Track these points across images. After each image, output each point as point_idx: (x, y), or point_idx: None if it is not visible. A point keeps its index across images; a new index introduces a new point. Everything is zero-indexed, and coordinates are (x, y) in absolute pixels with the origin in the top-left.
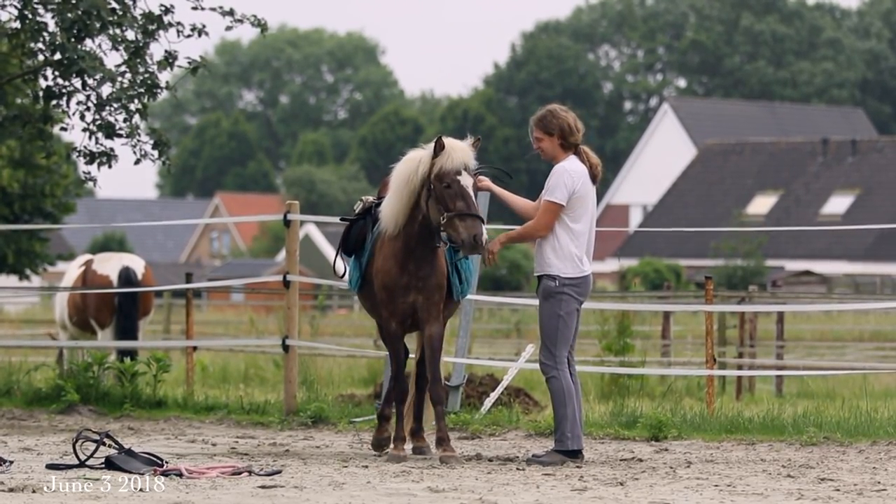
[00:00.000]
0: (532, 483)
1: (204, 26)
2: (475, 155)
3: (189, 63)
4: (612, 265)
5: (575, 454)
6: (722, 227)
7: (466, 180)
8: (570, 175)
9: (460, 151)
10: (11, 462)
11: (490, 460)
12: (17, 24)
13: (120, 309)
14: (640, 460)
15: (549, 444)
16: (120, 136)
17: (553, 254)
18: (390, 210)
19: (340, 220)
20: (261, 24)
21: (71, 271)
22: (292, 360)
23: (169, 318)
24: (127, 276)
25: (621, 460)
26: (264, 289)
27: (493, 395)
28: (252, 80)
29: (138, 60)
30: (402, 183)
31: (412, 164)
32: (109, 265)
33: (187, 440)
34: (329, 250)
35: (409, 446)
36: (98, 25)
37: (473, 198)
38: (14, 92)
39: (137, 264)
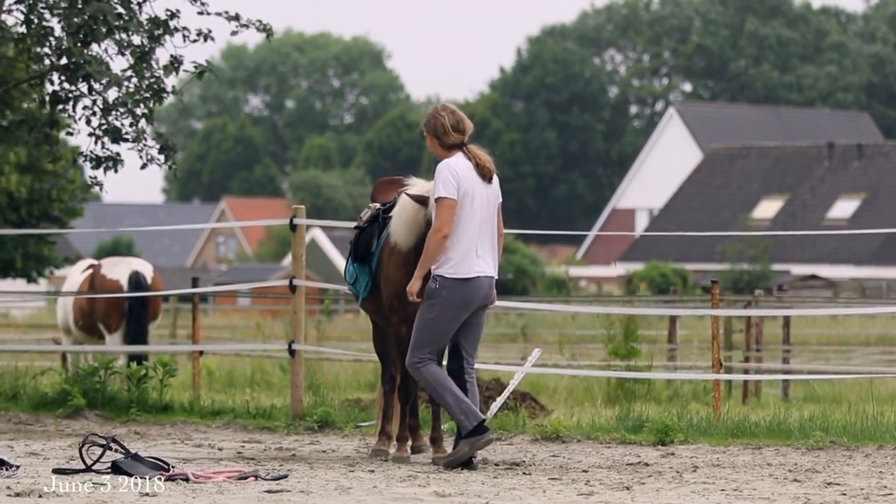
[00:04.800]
0: (538, 488)
1: (210, 31)
2: None
3: (195, 67)
4: (615, 269)
5: (479, 430)
6: (728, 231)
7: None
8: (451, 169)
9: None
10: (18, 466)
11: (496, 465)
12: (23, 29)
13: (130, 313)
14: (647, 465)
15: (555, 448)
16: (126, 140)
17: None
18: (402, 236)
19: (354, 227)
20: (266, 29)
21: (74, 276)
22: (298, 364)
23: (175, 322)
24: (137, 281)
25: (627, 465)
26: (270, 293)
27: (500, 400)
28: (258, 84)
29: (144, 65)
30: (410, 222)
31: (415, 208)
32: (119, 269)
33: (193, 445)
34: (335, 254)
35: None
36: (104, 30)
37: None
38: (20, 96)
39: (146, 269)
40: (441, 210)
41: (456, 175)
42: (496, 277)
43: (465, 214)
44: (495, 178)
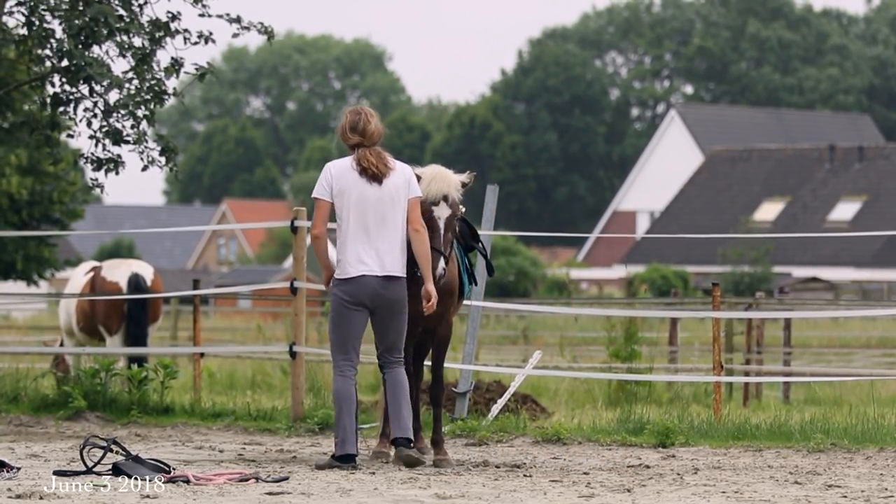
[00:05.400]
0: (539, 490)
1: (211, 33)
2: (462, 187)
3: (196, 69)
4: (619, 271)
5: (344, 460)
6: (729, 233)
7: (441, 211)
8: (326, 170)
9: (437, 182)
10: (18, 468)
11: (497, 467)
12: (24, 31)
13: (129, 315)
14: (648, 467)
15: (556, 450)
16: (127, 142)
17: (335, 255)
18: None
19: None
20: (267, 32)
21: (76, 278)
22: (299, 366)
23: (176, 324)
24: (136, 283)
25: (628, 467)
26: (271, 295)
27: (501, 402)
28: (259, 86)
29: (145, 67)
30: None
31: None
32: (119, 271)
33: (194, 447)
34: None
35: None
36: (105, 32)
37: (442, 230)
38: (21, 98)
39: (147, 271)
40: (314, 210)
41: (329, 176)
42: (397, 275)
43: (343, 215)
44: (396, 176)
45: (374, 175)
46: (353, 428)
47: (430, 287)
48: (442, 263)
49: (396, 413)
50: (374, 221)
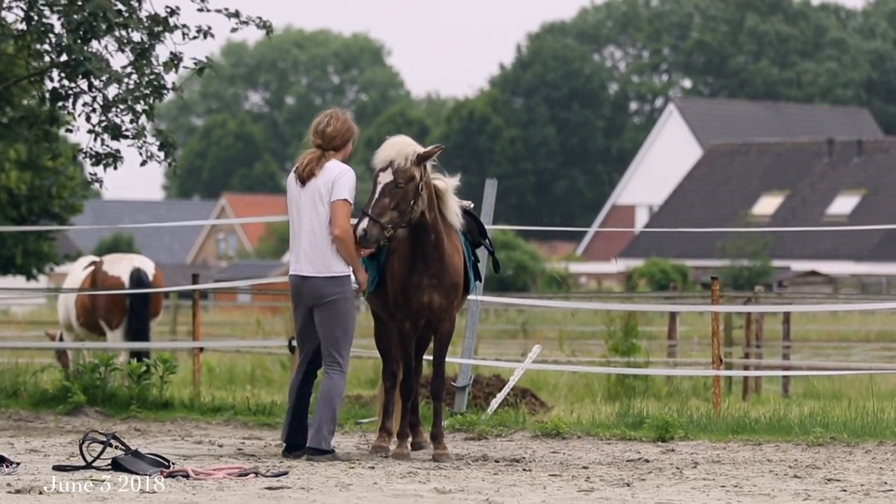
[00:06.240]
0: (539, 484)
1: (209, 28)
2: (423, 159)
3: (195, 64)
4: (618, 266)
5: (287, 450)
6: (728, 227)
7: (384, 177)
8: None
9: (386, 149)
10: (18, 463)
11: (497, 461)
12: (23, 26)
13: (131, 310)
14: (647, 461)
15: (555, 445)
16: (126, 137)
17: None
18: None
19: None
20: (266, 26)
21: (75, 272)
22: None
23: (175, 319)
24: (138, 278)
25: (628, 461)
26: (271, 290)
27: (500, 396)
28: (258, 81)
29: (144, 62)
30: None
31: None
32: (120, 266)
33: (194, 441)
34: None
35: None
36: (104, 27)
37: (377, 195)
38: (20, 93)
39: (148, 266)
40: None
41: (288, 182)
42: (319, 275)
43: (290, 217)
44: (321, 179)
45: (299, 177)
46: (288, 419)
47: (358, 276)
48: (363, 224)
49: (315, 421)
50: (298, 222)
